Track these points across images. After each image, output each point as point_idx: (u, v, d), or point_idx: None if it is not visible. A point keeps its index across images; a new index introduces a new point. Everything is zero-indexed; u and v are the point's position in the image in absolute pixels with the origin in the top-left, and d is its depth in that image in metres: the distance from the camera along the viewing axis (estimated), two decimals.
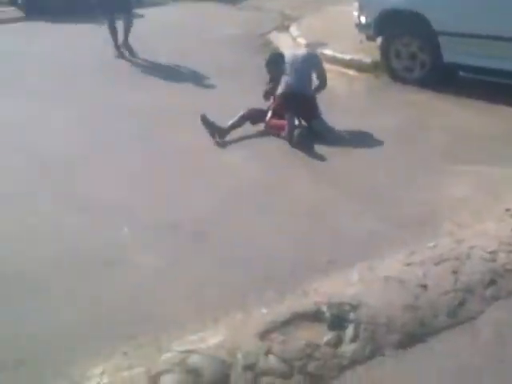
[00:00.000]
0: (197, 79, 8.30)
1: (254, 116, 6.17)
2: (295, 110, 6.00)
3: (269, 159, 5.64)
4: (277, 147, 5.85)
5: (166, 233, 4.33)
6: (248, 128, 6.15)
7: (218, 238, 4.25)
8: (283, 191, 4.96)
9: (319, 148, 5.73)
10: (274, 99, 6.17)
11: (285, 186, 5.06)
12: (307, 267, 3.81)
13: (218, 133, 6.06)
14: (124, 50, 9.67)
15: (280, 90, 6.07)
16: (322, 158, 5.55)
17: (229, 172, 5.36)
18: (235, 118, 6.10)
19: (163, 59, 9.36)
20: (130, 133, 6.30)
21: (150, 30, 11.09)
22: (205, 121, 6.08)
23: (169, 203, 4.80)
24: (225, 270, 3.86)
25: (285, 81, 6.06)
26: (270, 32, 11.19)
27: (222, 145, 5.95)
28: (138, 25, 10.05)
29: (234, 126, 6.10)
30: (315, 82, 6.20)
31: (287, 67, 6.08)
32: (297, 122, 6.03)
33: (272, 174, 5.30)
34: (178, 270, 3.89)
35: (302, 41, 9.57)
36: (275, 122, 6.05)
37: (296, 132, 5.81)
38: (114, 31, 9.64)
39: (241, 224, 4.45)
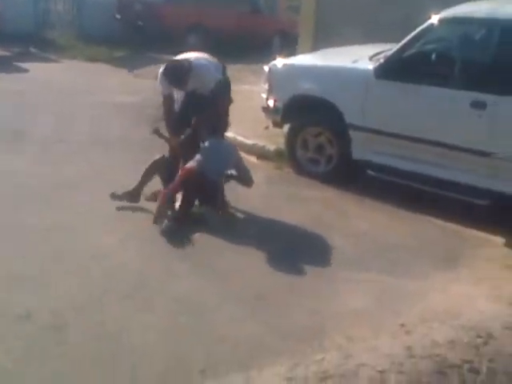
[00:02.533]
0: (69, 147, 8.38)
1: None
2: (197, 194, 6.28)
3: (149, 245, 5.74)
4: (157, 231, 5.98)
5: (17, 324, 4.29)
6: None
7: (80, 333, 4.25)
8: (160, 285, 5.04)
9: (210, 240, 5.89)
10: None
11: (163, 279, 5.14)
12: (177, 373, 3.87)
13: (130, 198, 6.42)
14: None
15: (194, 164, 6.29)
16: (210, 252, 5.69)
17: (101, 256, 5.41)
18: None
19: (38, 121, 9.41)
20: None
21: (30, 87, 11.14)
22: (114, 197, 6.42)
23: (25, 289, 4.77)
24: (83, 372, 3.85)
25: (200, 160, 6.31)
26: None
27: (96, 223, 6.04)
28: (18, 80, 10.06)
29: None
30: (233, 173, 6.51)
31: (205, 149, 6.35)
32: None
33: (150, 263, 5.39)
34: (26, 371, 3.84)
35: None
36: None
37: (166, 225, 6.03)
38: None
39: (108, 317, 4.48)
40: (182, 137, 6.62)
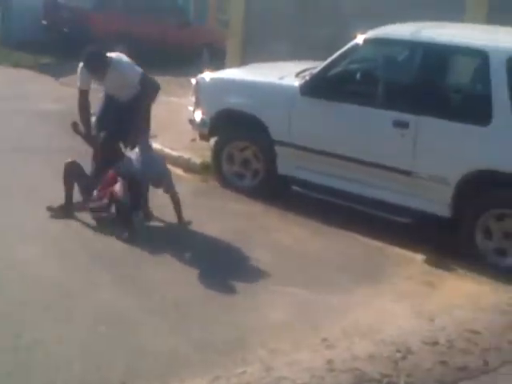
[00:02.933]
0: None
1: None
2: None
3: (71, 256, 5.69)
4: (80, 242, 5.94)
5: None
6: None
7: None
8: (81, 297, 5.00)
9: (133, 251, 5.86)
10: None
11: (84, 291, 5.11)
12: None
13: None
14: None
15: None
16: (133, 263, 5.66)
17: (21, 267, 5.33)
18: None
19: None
20: None
21: None
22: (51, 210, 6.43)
23: None
24: None
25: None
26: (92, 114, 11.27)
27: (15, 233, 5.93)
28: None
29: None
30: None
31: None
32: None
33: (72, 274, 5.34)
34: None
35: None
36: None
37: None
38: None
39: (25, 329, 4.43)
40: (102, 135, 6.67)
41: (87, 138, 6.69)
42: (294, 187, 7.44)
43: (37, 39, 17.12)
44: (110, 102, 6.86)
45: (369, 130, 6.78)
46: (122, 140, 6.70)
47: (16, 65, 15.48)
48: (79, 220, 6.37)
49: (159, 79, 7.39)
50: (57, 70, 14.77)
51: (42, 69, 15.33)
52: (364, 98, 6.85)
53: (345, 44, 7.02)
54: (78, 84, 6.71)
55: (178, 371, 4.04)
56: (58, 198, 6.41)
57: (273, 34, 11.13)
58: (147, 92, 6.72)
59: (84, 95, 6.70)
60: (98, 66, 6.49)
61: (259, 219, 7.00)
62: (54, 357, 4.15)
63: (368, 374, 4.09)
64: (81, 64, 6.56)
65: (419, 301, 5.33)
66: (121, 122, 6.58)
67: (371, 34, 6.99)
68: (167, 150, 8.79)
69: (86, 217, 6.37)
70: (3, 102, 11.31)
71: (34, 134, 9.55)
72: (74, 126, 6.64)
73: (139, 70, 6.75)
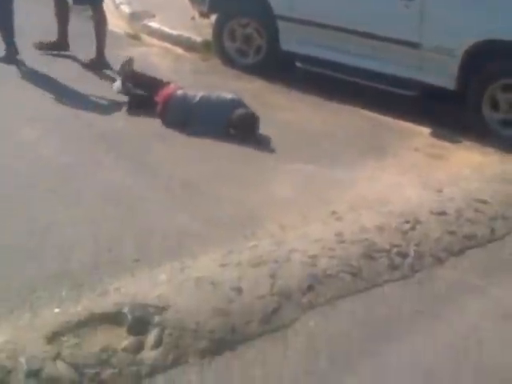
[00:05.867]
0: None
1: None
2: None
3: (74, 137, 5.66)
4: (80, 123, 5.92)
5: None
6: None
7: (8, 227, 4.21)
8: (87, 178, 4.99)
9: (136, 130, 5.86)
10: None
11: (92, 171, 5.10)
12: (110, 264, 3.87)
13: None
14: None
15: None
16: (136, 142, 5.65)
17: (24, 151, 5.32)
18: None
19: None
20: None
21: None
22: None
23: None
24: (9, 262, 3.83)
25: None
26: None
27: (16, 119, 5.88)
28: None
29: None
30: None
31: None
32: None
33: (76, 155, 5.33)
34: None
35: (125, 9, 9.51)
36: None
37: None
38: None
39: (36, 209, 4.47)
40: None
41: None
42: (298, 63, 7.30)
43: None
44: None
45: (373, 1, 6.59)
46: None
47: None
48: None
49: None
50: None
51: None
52: None
53: None
54: None
55: (190, 247, 4.07)
56: None
57: None
58: None
59: None
60: None
61: (262, 96, 6.88)
62: (68, 238, 4.17)
63: (377, 244, 4.15)
64: None
65: (426, 172, 5.35)
66: None
67: None
68: (166, 29, 8.60)
69: None
70: None
71: None
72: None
73: None
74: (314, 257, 3.95)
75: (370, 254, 4.04)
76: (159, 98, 6.04)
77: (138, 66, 6.53)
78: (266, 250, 4.01)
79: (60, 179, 4.96)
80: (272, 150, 5.69)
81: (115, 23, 8.71)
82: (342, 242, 4.16)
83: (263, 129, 6.01)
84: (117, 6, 9.87)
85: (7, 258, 3.90)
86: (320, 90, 6.88)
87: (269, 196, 4.90)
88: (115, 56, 7.06)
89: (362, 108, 6.59)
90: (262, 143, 5.81)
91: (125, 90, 6.29)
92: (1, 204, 4.51)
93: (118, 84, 6.38)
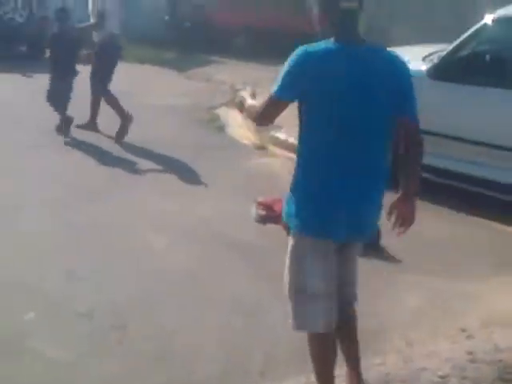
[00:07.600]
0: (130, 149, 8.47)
1: None
2: None
3: (199, 244, 5.74)
4: (210, 229, 6.01)
5: (78, 322, 4.34)
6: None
7: (137, 332, 4.31)
8: (215, 284, 5.05)
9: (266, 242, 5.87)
10: None
11: (217, 278, 5.16)
12: (237, 376, 3.85)
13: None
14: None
15: None
16: (266, 253, 5.64)
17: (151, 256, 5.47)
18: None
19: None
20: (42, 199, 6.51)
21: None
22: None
23: (82, 287, 4.86)
24: (142, 369, 3.89)
25: None
26: (218, 106, 11.46)
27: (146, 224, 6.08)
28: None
29: None
30: None
31: None
32: None
33: (203, 262, 5.41)
34: (89, 365, 3.91)
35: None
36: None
37: None
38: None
39: (164, 314, 4.56)
40: None
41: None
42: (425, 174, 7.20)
43: (159, 35, 17.51)
44: None
45: (503, 113, 6.49)
46: None
47: (140, 60, 15.75)
48: None
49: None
50: (181, 64, 15.07)
51: (166, 64, 15.64)
52: (496, 80, 6.58)
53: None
54: None
55: None
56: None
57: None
58: None
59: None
60: None
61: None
62: (194, 345, 4.23)
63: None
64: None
65: None
66: None
67: (500, 12, 6.72)
68: (292, 140, 8.74)
69: None
70: (138, 96, 11.32)
71: (164, 127, 9.71)
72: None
73: None
74: (444, 377, 3.79)
75: (504, 377, 3.83)
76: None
77: (261, 176, 6.59)
78: (395, 368, 3.89)
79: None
80: (395, 261, 5.56)
81: (244, 135, 9.01)
82: (474, 361, 3.97)
83: (389, 239, 5.90)
84: (244, 118, 10.20)
85: (136, 361, 3.99)
86: (444, 200, 6.73)
87: (396, 309, 4.76)
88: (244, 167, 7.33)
89: (493, 220, 6.38)
90: (386, 253, 5.69)
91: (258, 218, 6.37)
92: (129, 309, 4.60)
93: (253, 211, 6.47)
